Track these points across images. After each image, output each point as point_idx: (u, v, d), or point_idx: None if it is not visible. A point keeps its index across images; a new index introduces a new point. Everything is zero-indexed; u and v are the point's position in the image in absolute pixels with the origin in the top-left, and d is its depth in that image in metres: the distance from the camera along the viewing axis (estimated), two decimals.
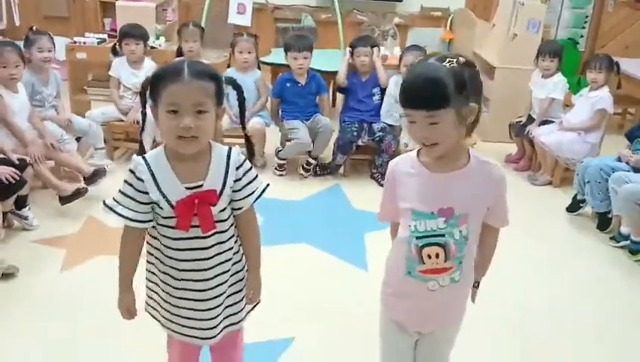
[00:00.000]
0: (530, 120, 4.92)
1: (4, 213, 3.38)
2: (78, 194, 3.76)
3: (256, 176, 1.72)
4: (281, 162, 4.56)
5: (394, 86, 4.53)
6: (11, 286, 3.02)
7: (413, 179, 1.70)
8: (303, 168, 4.52)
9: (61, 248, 3.41)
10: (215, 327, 1.80)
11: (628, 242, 3.63)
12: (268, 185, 1.74)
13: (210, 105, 1.59)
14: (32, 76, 4.07)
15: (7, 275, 3.05)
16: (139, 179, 1.65)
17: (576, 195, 4.11)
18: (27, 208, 3.58)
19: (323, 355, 2.62)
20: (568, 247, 3.79)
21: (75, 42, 5.21)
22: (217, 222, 1.68)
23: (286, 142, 4.55)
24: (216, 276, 1.74)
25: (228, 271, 1.77)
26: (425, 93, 1.55)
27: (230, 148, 1.69)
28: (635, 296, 3.26)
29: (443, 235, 1.69)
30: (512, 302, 3.11)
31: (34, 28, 4.22)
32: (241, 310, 1.86)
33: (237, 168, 1.67)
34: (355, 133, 4.52)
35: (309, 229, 3.56)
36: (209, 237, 1.69)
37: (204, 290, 1.74)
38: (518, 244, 3.72)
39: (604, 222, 3.89)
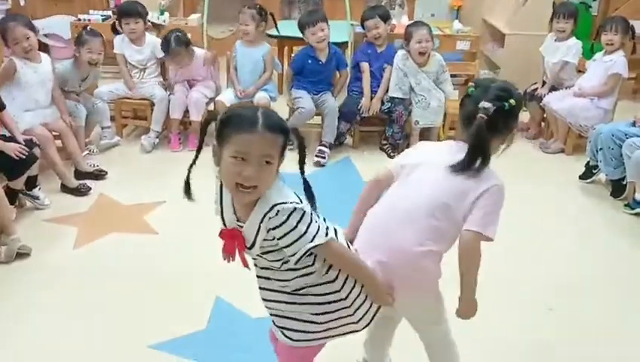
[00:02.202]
0: (544, 85, 4.83)
1: (16, 192, 3.39)
2: (79, 191, 3.78)
3: (301, 236, 1.59)
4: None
5: (401, 60, 4.44)
6: (25, 265, 3.04)
7: None
8: (318, 156, 4.32)
9: (73, 226, 3.42)
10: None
11: None
12: (315, 246, 1.61)
13: (276, 158, 1.57)
14: (73, 72, 4.15)
15: (21, 255, 3.07)
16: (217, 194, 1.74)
17: (588, 162, 4.05)
18: (38, 188, 3.59)
19: None
20: (582, 215, 3.75)
21: (79, 20, 5.17)
22: (262, 259, 1.70)
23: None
24: (269, 296, 1.80)
25: (280, 297, 1.77)
26: None
27: (272, 208, 1.57)
28: None
29: None
30: (522, 268, 3.10)
31: (88, 28, 4.24)
32: (286, 328, 1.79)
33: (270, 230, 1.59)
34: (359, 102, 4.47)
35: (319, 202, 3.54)
36: (258, 268, 1.75)
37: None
38: (531, 213, 3.70)
39: (618, 188, 3.84)
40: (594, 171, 4.01)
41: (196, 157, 1.68)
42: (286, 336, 1.77)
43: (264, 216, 1.58)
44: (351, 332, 1.82)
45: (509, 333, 2.61)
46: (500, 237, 3.41)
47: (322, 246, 1.63)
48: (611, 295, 2.94)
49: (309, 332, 1.76)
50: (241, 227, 1.65)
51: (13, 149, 3.25)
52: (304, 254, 1.61)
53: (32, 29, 3.78)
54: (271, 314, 1.82)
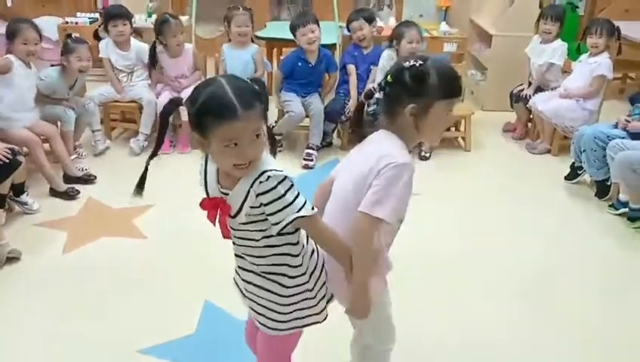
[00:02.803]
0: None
1: (3, 197, 3.39)
2: (67, 195, 3.79)
3: (288, 205, 1.58)
4: (277, 138, 4.55)
5: (387, 60, 4.46)
6: (14, 270, 3.04)
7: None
8: (305, 159, 4.35)
9: (62, 230, 3.43)
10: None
11: (627, 209, 3.63)
12: (298, 217, 1.60)
13: (263, 126, 1.57)
14: (60, 80, 4.16)
15: (10, 259, 3.07)
16: (202, 164, 1.74)
17: (573, 163, 4.10)
18: (25, 194, 3.59)
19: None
20: (567, 215, 3.79)
21: (67, 22, 5.16)
22: (242, 230, 1.69)
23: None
24: (246, 273, 1.80)
25: (255, 274, 1.76)
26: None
27: (263, 173, 1.57)
28: (634, 264, 3.27)
29: None
30: (510, 270, 3.13)
31: (73, 35, 4.25)
32: (261, 314, 1.80)
33: (257, 195, 1.58)
34: (345, 102, 4.49)
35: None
36: (238, 240, 1.73)
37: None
38: (517, 213, 3.76)
39: (602, 189, 3.89)
40: (579, 172, 4.06)
41: (156, 150, 1.72)
42: (260, 323, 1.80)
43: (254, 180, 1.58)
44: (314, 323, 1.83)
45: (489, 327, 2.65)
46: (484, 236, 3.51)
47: (308, 219, 1.62)
48: (597, 294, 2.98)
49: (276, 321, 1.77)
50: (226, 195, 1.65)
51: None
52: (287, 224, 1.60)
53: (41, 37, 3.83)
54: (248, 300, 1.82)
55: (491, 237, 3.46)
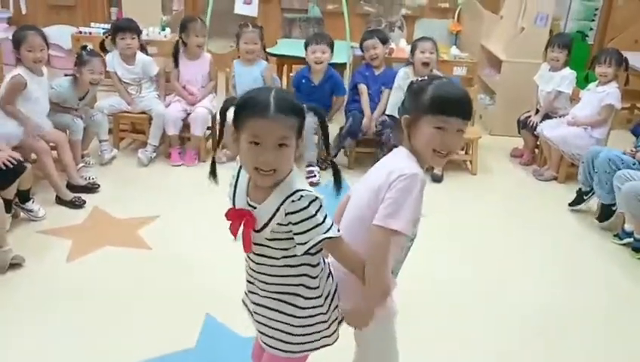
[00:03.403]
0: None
1: (9, 202, 3.40)
2: (73, 204, 3.80)
3: (318, 225, 1.60)
4: None
5: (403, 77, 4.50)
6: (17, 276, 3.04)
7: (424, 187, 1.74)
8: (308, 177, 4.29)
9: (67, 238, 3.43)
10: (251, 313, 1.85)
11: (631, 240, 3.62)
12: (325, 238, 1.61)
13: (292, 140, 1.58)
14: (71, 91, 4.18)
15: (13, 265, 3.08)
16: (235, 175, 1.76)
17: (580, 189, 4.10)
18: (31, 201, 3.60)
19: None
20: (571, 244, 3.78)
21: (80, 32, 5.21)
22: (264, 246, 1.69)
23: None
24: (257, 295, 1.79)
25: (269, 295, 1.76)
26: (466, 104, 1.76)
27: (296, 192, 1.59)
28: (637, 293, 3.25)
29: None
30: (512, 297, 3.12)
31: (88, 48, 4.26)
32: (271, 337, 1.79)
33: (287, 214, 1.60)
34: (361, 120, 4.53)
35: None
36: (256, 257, 1.73)
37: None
38: (521, 240, 3.75)
39: (606, 214, 3.87)
40: (585, 198, 4.04)
41: (219, 141, 1.72)
42: (270, 346, 1.79)
43: (286, 198, 1.59)
44: (324, 346, 1.82)
45: (495, 355, 2.64)
46: (487, 263, 3.49)
47: (334, 241, 1.65)
48: (602, 326, 2.96)
49: (290, 343, 1.77)
50: (253, 208, 1.65)
51: (1, 157, 3.27)
52: (315, 244, 1.62)
53: (47, 43, 3.84)
54: (257, 323, 1.82)
55: (494, 264, 3.45)
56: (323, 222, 1.61)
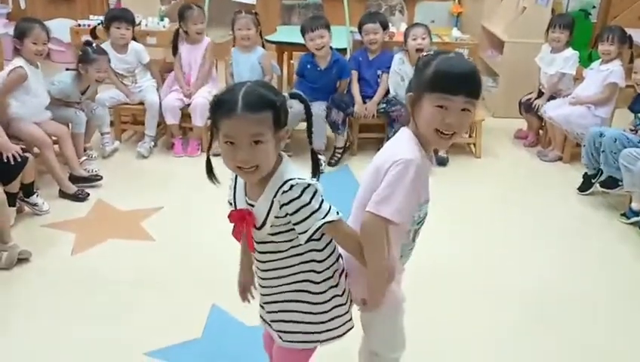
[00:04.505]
0: (540, 95, 4.85)
1: (14, 196, 3.40)
2: (76, 197, 3.80)
3: (314, 212, 1.59)
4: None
5: (398, 63, 4.47)
6: (23, 271, 3.05)
7: (425, 170, 1.70)
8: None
9: (71, 232, 3.43)
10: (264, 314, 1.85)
11: (639, 218, 3.60)
12: (324, 223, 1.60)
13: (268, 135, 1.54)
14: (73, 86, 4.15)
15: (20, 260, 3.08)
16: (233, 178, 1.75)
17: (586, 173, 4.06)
18: (35, 195, 3.60)
19: None
20: (578, 223, 3.76)
21: (79, 25, 5.18)
22: (268, 243, 1.68)
23: None
24: (268, 294, 1.79)
25: (281, 289, 1.75)
26: (472, 81, 1.63)
27: (286, 182, 1.58)
28: None
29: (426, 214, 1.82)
30: (521, 278, 3.11)
31: (94, 45, 4.21)
32: (293, 332, 1.78)
33: (282, 206, 1.59)
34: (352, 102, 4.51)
35: None
36: (262, 255, 1.72)
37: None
38: (528, 221, 3.73)
39: (611, 184, 3.87)
40: (593, 181, 4.00)
41: (211, 141, 1.71)
42: (285, 340, 1.78)
43: (278, 190, 1.58)
44: (346, 331, 1.81)
45: (501, 338, 2.63)
46: (495, 245, 3.48)
47: (334, 224, 1.63)
48: (606, 303, 2.95)
49: (308, 332, 1.76)
50: (252, 206, 1.65)
51: (7, 150, 3.27)
52: (315, 231, 1.60)
53: (49, 37, 3.84)
54: (270, 321, 1.82)
55: (501, 246, 3.44)
56: (319, 208, 1.60)
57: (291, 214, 1.59)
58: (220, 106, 1.54)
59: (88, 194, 3.83)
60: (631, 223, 3.67)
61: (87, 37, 4.77)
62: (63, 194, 3.81)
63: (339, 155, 4.51)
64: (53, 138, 3.89)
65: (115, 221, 3.60)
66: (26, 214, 3.60)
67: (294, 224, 1.61)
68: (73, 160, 3.96)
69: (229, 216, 1.69)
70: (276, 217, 1.61)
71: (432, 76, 1.63)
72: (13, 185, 3.34)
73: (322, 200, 1.61)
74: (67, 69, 4.31)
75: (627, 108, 4.06)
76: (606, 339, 2.69)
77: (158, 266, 3.12)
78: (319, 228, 1.60)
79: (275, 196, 1.59)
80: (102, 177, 4.02)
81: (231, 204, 1.74)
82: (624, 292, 3.07)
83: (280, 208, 1.59)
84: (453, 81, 1.61)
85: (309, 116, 1.76)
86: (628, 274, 3.22)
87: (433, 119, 1.64)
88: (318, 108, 4.35)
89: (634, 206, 3.66)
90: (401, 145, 1.70)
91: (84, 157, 4.23)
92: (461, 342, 2.62)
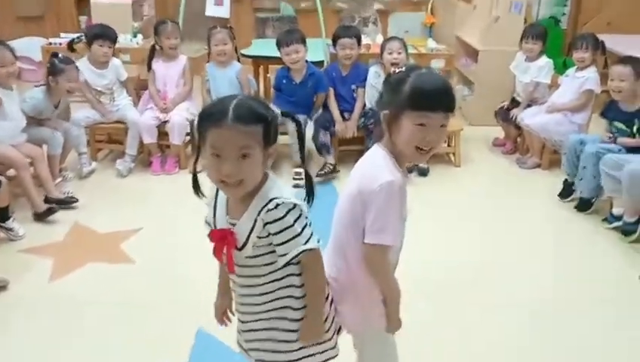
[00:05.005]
0: (514, 103, 4.89)
1: None
2: (50, 212, 3.72)
3: (296, 236, 1.54)
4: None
5: (374, 77, 4.46)
6: (0, 299, 2.95)
7: (405, 188, 1.69)
8: (295, 178, 4.16)
9: (49, 257, 3.34)
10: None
11: (621, 223, 3.62)
12: (303, 251, 1.56)
13: (256, 149, 1.50)
14: (45, 101, 4.06)
15: None
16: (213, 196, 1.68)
17: (566, 180, 4.09)
18: (11, 219, 3.50)
19: None
20: (560, 230, 3.79)
21: (50, 43, 5.09)
22: (248, 266, 1.62)
23: None
24: (246, 322, 1.73)
25: (259, 316, 1.69)
26: (449, 96, 1.65)
27: (271, 201, 1.53)
28: (627, 278, 3.24)
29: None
30: (503, 285, 3.11)
31: (60, 55, 4.12)
32: (275, 351, 1.72)
33: (265, 224, 1.54)
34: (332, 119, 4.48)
35: None
36: (241, 279, 1.66)
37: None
38: (510, 228, 3.74)
39: (585, 205, 3.92)
40: (573, 188, 4.03)
41: (197, 155, 1.63)
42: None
43: (262, 208, 1.53)
44: (329, 358, 1.76)
45: (486, 344, 2.61)
46: (477, 254, 3.47)
47: (313, 252, 1.59)
48: (591, 307, 2.95)
49: (291, 361, 1.70)
50: (234, 225, 1.59)
51: None
52: (294, 257, 1.56)
53: (15, 56, 3.75)
54: (247, 349, 1.76)
55: (485, 254, 3.44)
56: (301, 232, 1.55)
57: (274, 234, 1.54)
58: (209, 117, 1.50)
59: (60, 208, 3.75)
60: (613, 228, 3.69)
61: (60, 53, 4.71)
62: (38, 217, 3.71)
63: (330, 168, 4.42)
64: (28, 159, 3.79)
65: (94, 244, 3.52)
66: (2, 240, 3.49)
67: (276, 245, 1.56)
68: (48, 182, 3.86)
69: (209, 236, 1.63)
70: (258, 237, 1.56)
71: (410, 94, 1.61)
72: None
73: (305, 225, 1.57)
74: (36, 86, 4.19)
75: (599, 115, 4.11)
76: (596, 340, 2.69)
77: (139, 289, 3.05)
78: (299, 253, 1.56)
79: (259, 214, 1.54)
80: (77, 199, 3.93)
81: (209, 224, 1.68)
82: (610, 295, 3.08)
83: (263, 227, 1.54)
84: (433, 98, 1.62)
85: (300, 136, 1.73)
86: (612, 278, 3.24)
87: (414, 137, 1.64)
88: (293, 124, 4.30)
89: (615, 211, 3.69)
90: (379, 167, 1.67)
91: (60, 179, 4.13)
92: (447, 352, 2.60)
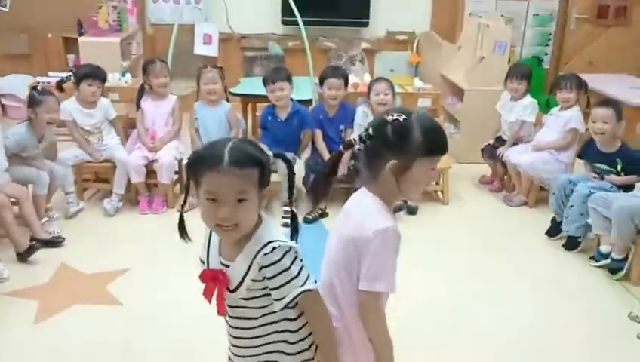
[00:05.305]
0: (500, 141, 4.95)
1: None
2: (32, 249, 3.66)
3: (292, 278, 1.53)
4: None
5: (362, 117, 4.47)
6: None
7: (399, 233, 1.68)
8: (283, 217, 4.18)
9: (33, 299, 3.27)
10: None
11: (608, 261, 3.64)
12: (303, 291, 1.55)
13: (253, 193, 1.50)
14: (29, 135, 4.01)
15: None
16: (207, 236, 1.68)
17: (554, 218, 4.12)
18: None
19: None
20: (547, 268, 3.79)
21: (38, 82, 5.08)
22: (240, 308, 1.61)
23: None
24: (239, 357, 1.71)
25: (252, 359, 1.68)
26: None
27: (267, 244, 1.53)
28: (615, 315, 3.25)
29: None
30: (490, 323, 3.11)
31: (39, 87, 4.10)
32: None
33: (261, 268, 1.53)
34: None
35: None
36: (233, 320, 1.65)
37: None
38: (498, 266, 3.75)
39: (572, 245, 3.94)
40: (561, 227, 4.04)
41: (185, 197, 1.65)
42: None
43: (258, 252, 1.52)
44: None
45: None
46: (465, 293, 3.46)
47: (312, 294, 1.57)
48: (578, 346, 2.94)
49: None
50: (227, 267, 1.58)
51: None
52: (293, 299, 1.54)
53: None
54: None
55: (473, 291, 3.43)
56: (298, 275, 1.54)
57: (269, 278, 1.53)
58: (204, 161, 1.49)
59: (39, 246, 3.68)
60: (599, 266, 3.71)
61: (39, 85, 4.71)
62: (20, 257, 3.64)
63: (319, 212, 4.38)
64: (12, 199, 3.74)
65: (80, 285, 3.45)
66: None
67: (271, 289, 1.54)
68: (34, 222, 3.81)
69: (200, 276, 1.61)
70: (253, 280, 1.55)
71: (425, 141, 1.62)
72: None
73: (302, 267, 1.56)
74: (18, 123, 4.14)
75: (576, 155, 4.17)
76: None
77: (127, 333, 2.99)
78: (297, 296, 1.54)
79: (254, 258, 1.53)
80: (64, 239, 3.88)
81: (203, 262, 1.67)
82: (597, 333, 3.08)
83: (259, 271, 1.53)
84: (444, 142, 1.69)
85: (291, 177, 1.73)
86: (600, 316, 3.24)
87: (425, 182, 1.70)
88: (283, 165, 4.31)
89: (602, 248, 3.71)
90: (373, 213, 1.66)
91: (45, 219, 4.07)
92: None
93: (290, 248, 1.53)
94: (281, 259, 1.52)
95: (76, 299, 3.28)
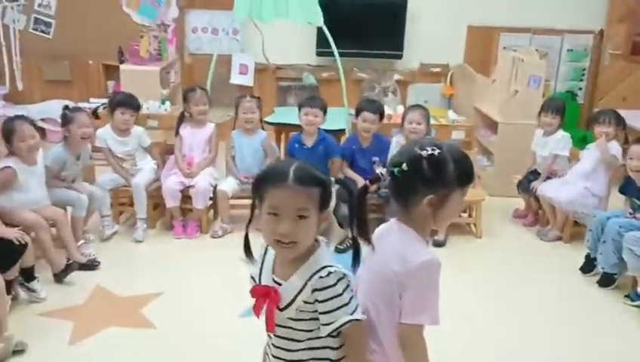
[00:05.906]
0: (535, 174, 4.90)
1: (10, 283, 3.30)
2: (68, 269, 3.72)
3: (344, 305, 1.55)
4: None
5: (397, 147, 4.48)
6: None
7: (440, 264, 1.69)
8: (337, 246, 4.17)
9: (68, 320, 3.33)
10: None
11: None
12: (350, 321, 1.56)
13: (313, 211, 1.55)
14: (67, 153, 4.11)
15: (16, 351, 2.96)
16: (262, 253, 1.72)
17: (588, 254, 4.05)
18: (36, 281, 3.51)
19: None
20: (581, 305, 3.73)
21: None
22: (287, 328, 1.63)
23: None
24: None
25: None
26: None
27: (324, 268, 1.56)
28: None
29: None
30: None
31: (70, 106, 4.19)
32: None
33: (314, 291, 1.55)
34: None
35: None
36: (277, 339, 1.67)
37: None
38: (530, 302, 3.70)
39: (607, 281, 3.87)
40: (595, 263, 3.98)
41: (251, 216, 1.67)
42: None
43: (314, 274, 1.55)
44: None
45: None
46: (501, 326, 3.41)
47: (359, 324, 1.59)
48: None
49: None
50: (279, 284, 1.61)
51: (12, 233, 3.24)
52: (341, 326, 1.55)
53: (36, 129, 3.77)
54: None
55: (507, 328, 3.38)
56: (349, 302, 1.56)
57: (321, 301, 1.55)
58: (269, 178, 1.56)
59: (77, 265, 3.76)
60: (635, 305, 3.64)
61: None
62: (57, 277, 3.70)
63: (350, 243, 4.37)
64: (50, 222, 3.82)
65: (114, 308, 3.50)
66: (22, 302, 3.49)
67: (321, 313, 1.56)
68: (71, 245, 3.88)
69: (251, 291, 1.65)
70: (304, 302, 1.57)
71: (461, 173, 1.66)
72: (12, 271, 3.26)
73: (352, 296, 1.58)
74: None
75: (618, 190, 4.11)
76: None
77: (160, 357, 3.02)
78: (345, 323, 1.56)
79: (309, 279, 1.56)
80: (99, 262, 3.94)
81: (254, 279, 1.70)
82: None
83: (311, 293, 1.56)
84: (473, 169, 1.73)
85: (351, 203, 1.72)
86: (634, 357, 3.17)
87: (458, 212, 1.75)
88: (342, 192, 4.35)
89: (639, 289, 3.63)
90: (412, 246, 1.67)
91: (82, 241, 4.14)
92: None
93: (345, 275, 1.57)
94: (335, 284, 1.55)
95: (110, 322, 3.32)
